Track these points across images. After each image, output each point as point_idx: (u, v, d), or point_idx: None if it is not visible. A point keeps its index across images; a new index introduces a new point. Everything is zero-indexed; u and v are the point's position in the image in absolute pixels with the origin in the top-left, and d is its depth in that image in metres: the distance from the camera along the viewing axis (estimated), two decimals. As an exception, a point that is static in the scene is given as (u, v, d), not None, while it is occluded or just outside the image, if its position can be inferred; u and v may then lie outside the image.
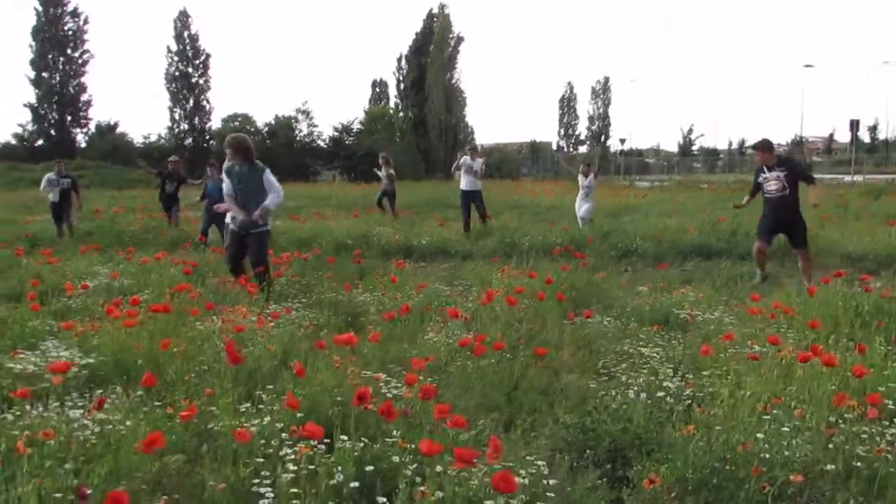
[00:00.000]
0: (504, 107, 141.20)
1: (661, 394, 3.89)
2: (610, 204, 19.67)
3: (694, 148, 77.75)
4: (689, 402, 3.80)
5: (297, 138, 55.40)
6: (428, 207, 20.61)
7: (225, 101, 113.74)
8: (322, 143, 56.59)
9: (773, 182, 7.90)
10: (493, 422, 3.47)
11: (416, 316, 5.65)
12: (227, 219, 7.13)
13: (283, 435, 3.01)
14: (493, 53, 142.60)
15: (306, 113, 57.14)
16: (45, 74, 52.79)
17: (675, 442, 2.99)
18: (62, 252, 8.85)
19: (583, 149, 76.55)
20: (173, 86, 56.59)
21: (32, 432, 2.85)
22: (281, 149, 53.36)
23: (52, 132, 52.64)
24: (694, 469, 2.77)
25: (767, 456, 2.80)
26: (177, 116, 56.13)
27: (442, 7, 60.10)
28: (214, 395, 3.43)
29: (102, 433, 3.02)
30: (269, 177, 6.83)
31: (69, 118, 53.95)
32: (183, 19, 57.26)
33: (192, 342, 4.47)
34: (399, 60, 64.80)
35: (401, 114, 62.84)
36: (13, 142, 52.43)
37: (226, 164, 7.17)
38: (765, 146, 8.36)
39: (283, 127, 55.56)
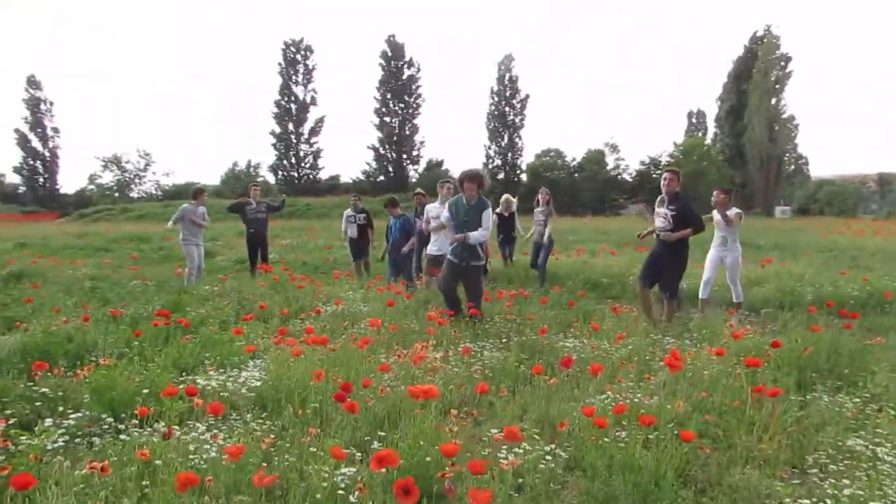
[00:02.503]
0: (843, 134, 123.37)
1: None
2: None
3: None
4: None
5: (602, 172, 55.24)
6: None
7: (537, 137, 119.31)
8: (627, 177, 55.65)
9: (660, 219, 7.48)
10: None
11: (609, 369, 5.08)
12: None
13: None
14: (831, 74, 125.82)
15: (614, 146, 56.87)
16: (386, 119, 61.10)
17: None
18: (325, 277, 9.94)
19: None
20: (492, 125, 60.97)
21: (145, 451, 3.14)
22: (585, 183, 53.84)
23: (390, 169, 60.49)
24: None
25: None
26: (491, 153, 60.27)
27: (768, 28, 55.21)
28: (315, 434, 3.41)
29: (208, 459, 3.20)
30: (487, 213, 7.01)
31: (404, 156, 61.47)
32: (506, 63, 61.55)
33: (353, 374, 4.59)
34: (722, 89, 61.28)
35: (717, 145, 58.93)
36: (361, 178, 61.38)
37: (452, 198, 7.38)
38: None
39: (590, 161, 55.91)
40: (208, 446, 3.31)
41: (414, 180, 60.07)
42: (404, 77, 61.15)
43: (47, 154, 68.89)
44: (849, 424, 4.07)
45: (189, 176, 75.73)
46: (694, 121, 69.61)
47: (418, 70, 61.51)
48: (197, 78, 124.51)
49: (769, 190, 54.96)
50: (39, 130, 68.25)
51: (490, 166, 59.21)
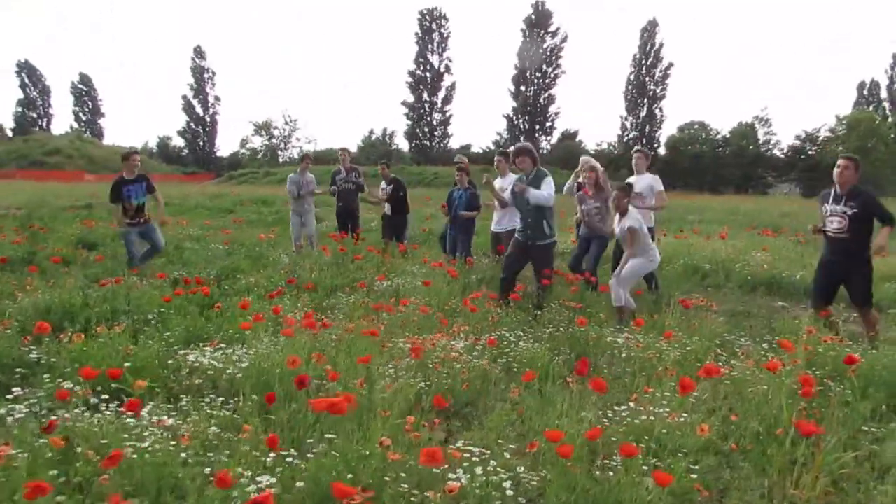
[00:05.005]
0: None
1: None
2: None
3: None
4: None
5: (750, 148, 51.11)
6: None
7: (681, 109, 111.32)
8: (778, 153, 51.15)
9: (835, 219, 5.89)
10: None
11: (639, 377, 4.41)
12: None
13: None
14: None
15: (765, 120, 52.43)
16: (522, 88, 59.99)
17: None
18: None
19: None
20: (630, 95, 58.19)
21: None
22: (731, 158, 50.13)
23: (521, 139, 59.53)
24: None
25: None
26: (628, 125, 57.63)
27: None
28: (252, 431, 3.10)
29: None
30: (547, 180, 6.75)
31: (537, 126, 60.25)
32: (650, 29, 58.30)
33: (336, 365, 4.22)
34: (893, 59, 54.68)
35: (889, 118, 52.69)
36: (492, 147, 60.96)
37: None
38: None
39: (738, 136, 51.93)
40: (147, 433, 3.10)
41: (545, 151, 58.83)
42: (546, 46, 59.57)
43: (208, 119, 74.62)
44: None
45: (330, 143, 78.94)
46: (865, 93, 62.82)
47: (563, 40, 59.53)
48: (341, 48, 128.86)
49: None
50: (202, 97, 73.83)
51: (625, 139, 56.72)
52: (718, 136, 52.80)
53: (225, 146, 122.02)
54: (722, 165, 49.97)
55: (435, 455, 2.40)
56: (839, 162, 5.95)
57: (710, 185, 47.34)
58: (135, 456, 2.81)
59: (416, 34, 61.48)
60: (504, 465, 3.01)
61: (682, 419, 3.59)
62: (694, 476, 2.94)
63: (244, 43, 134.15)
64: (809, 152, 48.65)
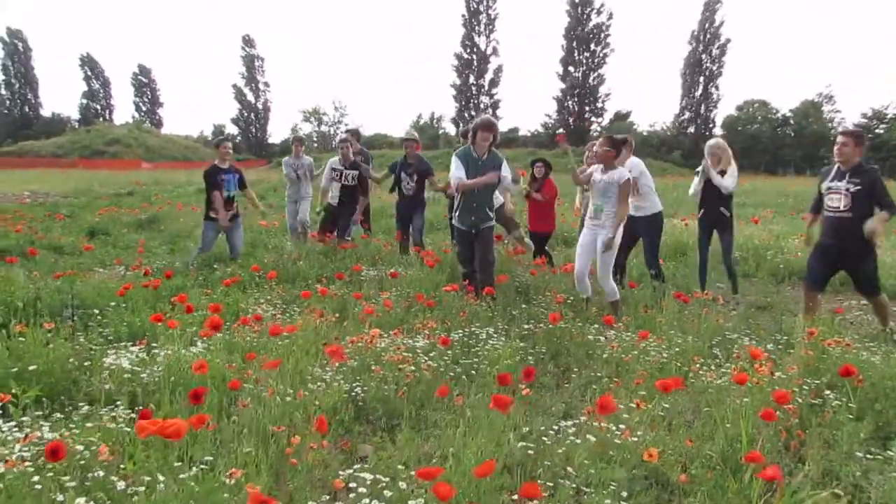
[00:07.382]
0: None
1: None
2: None
3: None
4: None
5: (814, 126, 48.51)
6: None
7: (740, 87, 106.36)
8: (843, 132, 48.42)
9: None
10: None
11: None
12: (455, 221, 6.49)
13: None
14: None
15: (829, 97, 49.68)
16: (570, 69, 58.52)
17: None
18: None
19: None
20: (687, 73, 56.04)
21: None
22: (789, 139, 47.73)
23: (571, 121, 58.15)
24: None
25: None
26: (683, 104, 55.49)
27: None
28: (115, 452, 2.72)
29: None
30: (506, 166, 6.20)
31: (587, 108, 58.71)
32: (712, 5, 55.80)
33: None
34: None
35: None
36: (540, 130, 59.88)
37: (460, 149, 6.39)
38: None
39: (799, 114, 49.40)
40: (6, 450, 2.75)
41: (595, 134, 57.31)
42: (591, 24, 57.88)
43: (259, 106, 75.80)
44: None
45: (378, 128, 79.15)
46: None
47: (609, 17, 57.83)
48: (389, 32, 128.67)
49: None
50: (253, 85, 75.01)
51: (679, 119, 54.73)
52: (779, 115, 50.33)
53: (278, 133, 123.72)
54: (781, 146, 47.67)
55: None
56: (838, 138, 5.45)
57: (768, 167, 45.23)
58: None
59: (463, 16, 60.56)
60: (397, 499, 2.56)
61: (635, 439, 3.07)
62: (617, 518, 2.42)
63: (294, 29, 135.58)
64: (877, 131, 45.76)
